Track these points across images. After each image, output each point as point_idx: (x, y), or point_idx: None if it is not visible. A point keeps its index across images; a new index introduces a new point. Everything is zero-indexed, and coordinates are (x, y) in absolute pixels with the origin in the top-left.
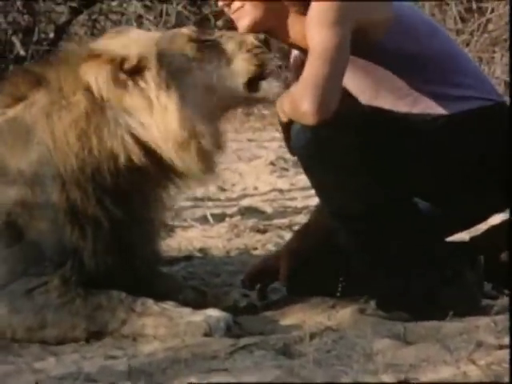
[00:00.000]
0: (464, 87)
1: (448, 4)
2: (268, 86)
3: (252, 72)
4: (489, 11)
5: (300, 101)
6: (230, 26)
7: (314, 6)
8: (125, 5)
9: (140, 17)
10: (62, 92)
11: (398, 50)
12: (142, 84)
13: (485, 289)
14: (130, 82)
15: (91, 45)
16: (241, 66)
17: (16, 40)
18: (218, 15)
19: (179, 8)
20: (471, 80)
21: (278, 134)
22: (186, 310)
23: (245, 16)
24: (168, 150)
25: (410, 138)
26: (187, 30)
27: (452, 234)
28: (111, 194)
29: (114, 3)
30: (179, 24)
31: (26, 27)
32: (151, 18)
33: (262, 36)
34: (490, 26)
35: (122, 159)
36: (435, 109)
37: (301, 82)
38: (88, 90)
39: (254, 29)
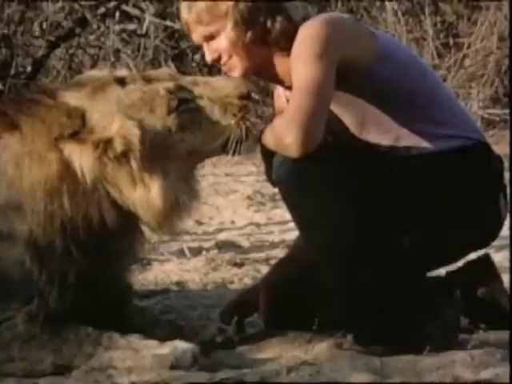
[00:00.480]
0: (446, 125)
1: (425, 39)
2: (249, 147)
3: (237, 137)
4: (465, 47)
5: (284, 133)
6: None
7: (298, 40)
8: (102, 39)
9: (118, 51)
10: (34, 144)
11: (383, 85)
12: (124, 165)
13: (461, 323)
14: (113, 163)
15: (65, 100)
16: (225, 133)
17: None
18: (196, 50)
19: (157, 42)
20: (454, 118)
21: (255, 169)
22: (152, 343)
23: (234, 68)
24: (148, 218)
25: (391, 173)
26: (165, 91)
27: (430, 269)
28: (80, 245)
29: (91, 37)
30: (157, 58)
31: (3, 61)
32: (129, 51)
33: (245, 91)
34: (467, 62)
35: (95, 220)
36: (417, 146)
37: (285, 114)
38: (60, 150)
39: (245, 77)
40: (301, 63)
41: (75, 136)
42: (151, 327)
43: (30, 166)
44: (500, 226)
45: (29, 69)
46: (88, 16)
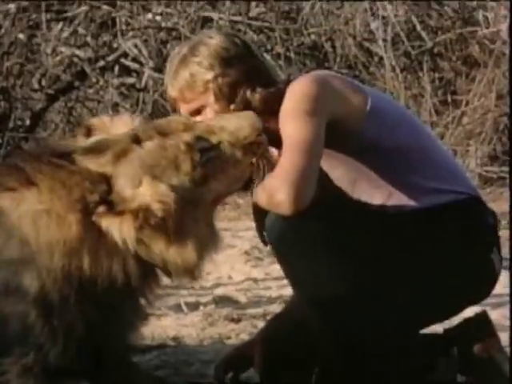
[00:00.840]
0: (439, 180)
1: (423, 96)
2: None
3: (258, 175)
4: (463, 104)
5: (275, 191)
6: None
7: (287, 97)
8: (101, 92)
9: (116, 105)
10: (52, 203)
11: (374, 142)
12: (161, 227)
13: (459, 381)
14: (151, 228)
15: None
16: (247, 172)
17: None
18: None
19: (156, 96)
20: (446, 173)
21: (253, 224)
22: None
23: None
24: (179, 272)
25: (384, 231)
26: (185, 146)
27: (426, 326)
28: (96, 303)
29: (90, 91)
30: (155, 112)
31: (2, 114)
32: (128, 105)
33: (260, 126)
34: (465, 119)
35: (119, 280)
36: (409, 202)
37: (276, 172)
38: (81, 212)
39: None
40: (290, 120)
41: (103, 204)
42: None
43: (48, 224)
44: (494, 281)
45: (27, 122)
46: (87, 69)
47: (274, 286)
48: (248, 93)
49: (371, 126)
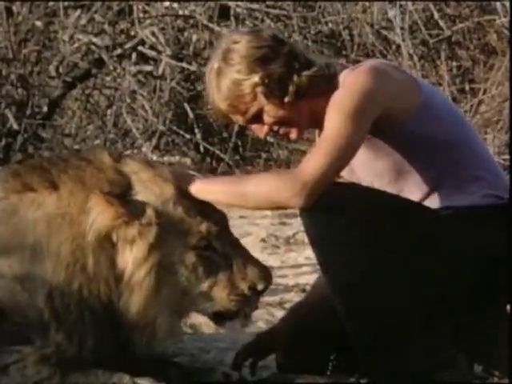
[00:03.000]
0: (480, 181)
1: (441, 84)
2: (230, 327)
3: (227, 310)
4: (481, 92)
5: (289, 182)
6: None
7: (341, 88)
8: (119, 80)
9: (133, 92)
10: (69, 207)
11: (423, 137)
12: (127, 252)
13: (475, 371)
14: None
15: (122, 167)
16: (221, 300)
17: (9, 113)
18: None
19: (173, 84)
20: (488, 174)
21: (270, 212)
22: None
23: (289, 133)
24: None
25: (422, 224)
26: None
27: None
28: (97, 313)
29: (107, 78)
30: (172, 100)
31: (19, 101)
32: (145, 93)
33: (263, 287)
34: (483, 108)
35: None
36: (450, 199)
37: (300, 166)
38: None
39: (302, 134)
40: (337, 112)
41: (119, 197)
42: (161, 369)
43: (61, 226)
44: None
45: (45, 109)
46: (104, 57)
47: (290, 274)
48: (295, 79)
49: (423, 121)
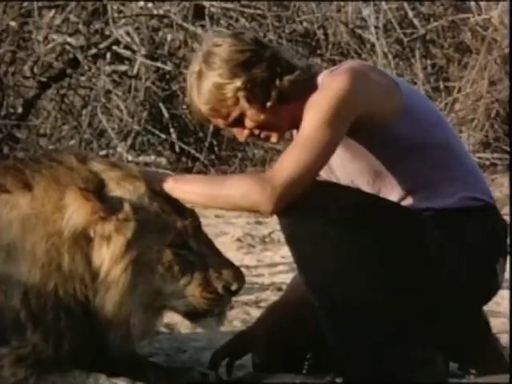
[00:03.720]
0: (458, 184)
1: (415, 83)
2: (204, 324)
3: (200, 308)
4: (455, 91)
5: (261, 185)
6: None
7: (320, 89)
8: (93, 80)
9: (108, 92)
10: (44, 206)
11: (402, 139)
12: (103, 249)
13: (451, 369)
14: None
15: (91, 167)
16: (195, 299)
17: None
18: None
19: (148, 83)
20: (467, 177)
21: (245, 212)
22: None
23: (269, 137)
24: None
25: (399, 224)
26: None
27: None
28: (73, 313)
29: (82, 78)
30: (147, 99)
31: None
32: (120, 93)
33: (236, 288)
34: (457, 106)
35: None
36: (426, 202)
37: (272, 169)
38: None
39: (282, 137)
40: (313, 115)
41: (95, 193)
42: (139, 369)
43: (35, 225)
44: (495, 291)
45: (19, 110)
46: (79, 57)
47: (266, 273)
48: (278, 83)
49: (402, 123)
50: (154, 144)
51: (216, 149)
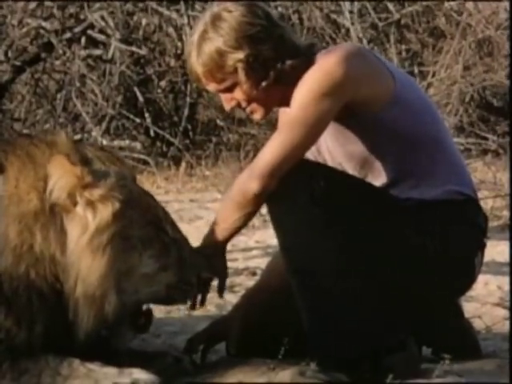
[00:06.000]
0: (444, 176)
1: None
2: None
3: (172, 296)
4: (430, 75)
5: (250, 173)
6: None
7: (312, 69)
8: (68, 64)
9: (83, 76)
10: (17, 188)
11: (392, 127)
12: (88, 216)
13: (424, 353)
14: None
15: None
16: (168, 286)
17: None
18: (162, 76)
19: (123, 68)
20: (453, 169)
21: (220, 196)
22: (113, 371)
23: (255, 112)
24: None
25: (384, 211)
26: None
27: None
28: (45, 296)
29: (57, 62)
30: (122, 84)
31: None
32: (94, 77)
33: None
34: (432, 91)
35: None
36: (410, 193)
37: (260, 154)
38: (44, 190)
39: (266, 115)
40: (302, 93)
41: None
42: (112, 354)
43: (8, 206)
44: (471, 283)
45: None
46: (54, 41)
47: (240, 257)
48: (279, 66)
49: (393, 110)
50: (128, 128)
51: (191, 133)
